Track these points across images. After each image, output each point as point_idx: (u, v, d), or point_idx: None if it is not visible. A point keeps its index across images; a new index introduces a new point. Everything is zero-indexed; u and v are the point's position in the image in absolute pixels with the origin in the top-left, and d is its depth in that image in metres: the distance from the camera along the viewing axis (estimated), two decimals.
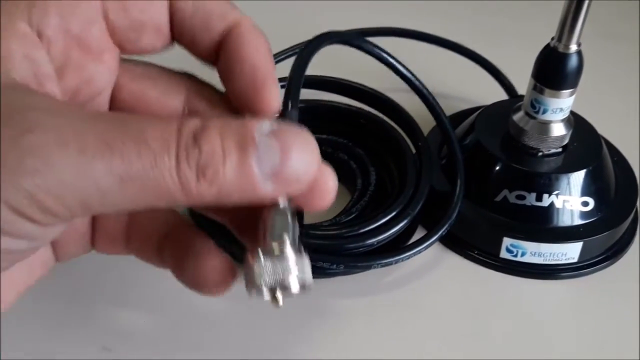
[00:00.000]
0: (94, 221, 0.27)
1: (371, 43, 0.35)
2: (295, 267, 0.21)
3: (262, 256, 0.21)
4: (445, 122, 0.39)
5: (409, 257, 0.34)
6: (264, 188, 0.20)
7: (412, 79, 0.38)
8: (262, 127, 0.20)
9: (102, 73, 0.24)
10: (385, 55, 0.36)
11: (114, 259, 0.28)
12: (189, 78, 0.26)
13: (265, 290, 0.22)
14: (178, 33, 0.25)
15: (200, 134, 0.20)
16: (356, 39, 0.35)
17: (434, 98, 0.39)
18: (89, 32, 0.23)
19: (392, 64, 0.37)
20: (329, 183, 0.24)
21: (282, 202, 0.22)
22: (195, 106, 0.26)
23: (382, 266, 0.34)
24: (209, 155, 0.20)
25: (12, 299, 0.24)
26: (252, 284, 0.21)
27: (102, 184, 0.19)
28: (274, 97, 0.24)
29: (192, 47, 0.25)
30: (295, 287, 0.21)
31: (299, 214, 0.37)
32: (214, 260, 0.24)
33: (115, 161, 0.19)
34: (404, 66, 0.37)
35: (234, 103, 0.25)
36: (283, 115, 0.27)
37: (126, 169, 0.19)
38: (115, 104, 0.25)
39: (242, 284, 0.22)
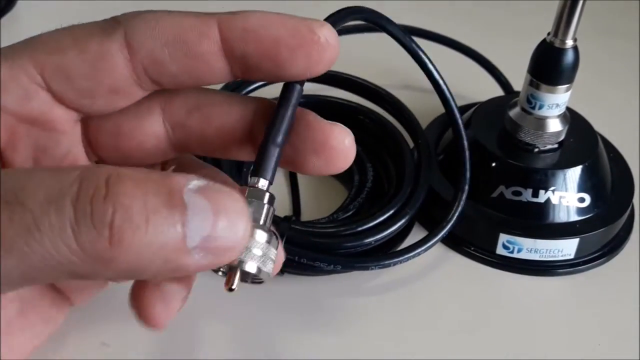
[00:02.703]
0: None
1: (398, 26, 0.32)
2: (254, 254, 0.20)
3: None
4: (460, 128, 0.37)
5: (407, 260, 0.34)
6: (190, 258, 0.17)
7: (437, 75, 0.36)
8: (190, 184, 0.17)
9: (58, 140, 0.22)
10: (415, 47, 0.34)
11: None
12: (157, 92, 0.23)
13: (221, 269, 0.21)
14: (176, 82, 0.22)
15: (113, 185, 0.16)
16: (384, 19, 0.31)
17: (453, 98, 0.37)
18: (28, 106, 0.21)
19: (418, 55, 0.35)
20: (345, 142, 0.22)
21: (261, 184, 0.21)
22: (177, 117, 0.23)
23: (380, 267, 0.33)
24: (126, 213, 0.16)
25: None
26: None
27: None
28: (328, 32, 0.21)
29: (209, 82, 0.22)
30: (251, 268, 0.20)
31: (295, 211, 0.36)
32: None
33: None
34: (430, 60, 0.35)
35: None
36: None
37: None
38: (95, 150, 0.24)
39: (242, 285, 0.21)
